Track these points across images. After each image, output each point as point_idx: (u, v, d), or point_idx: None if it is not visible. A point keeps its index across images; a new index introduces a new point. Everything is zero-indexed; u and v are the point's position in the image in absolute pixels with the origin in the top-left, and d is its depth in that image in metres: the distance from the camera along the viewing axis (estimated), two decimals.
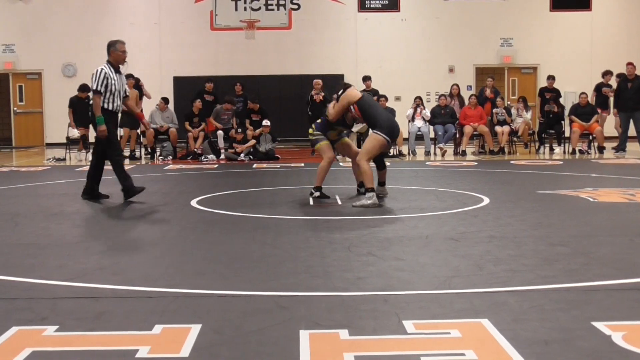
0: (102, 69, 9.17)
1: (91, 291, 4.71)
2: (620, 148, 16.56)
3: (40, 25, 22.08)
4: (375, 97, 17.39)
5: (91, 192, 9.49)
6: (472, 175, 12.22)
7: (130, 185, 9.34)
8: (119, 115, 9.70)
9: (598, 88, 17.88)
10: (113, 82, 9.17)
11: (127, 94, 9.68)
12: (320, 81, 17.27)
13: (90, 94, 9.16)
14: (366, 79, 18.01)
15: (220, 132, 16.39)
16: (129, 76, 17.07)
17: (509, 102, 19.21)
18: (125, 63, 9.48)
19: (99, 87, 9.07)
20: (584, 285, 4.74)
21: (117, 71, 9.31)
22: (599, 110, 17.31)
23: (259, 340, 3.68)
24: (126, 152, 17.07)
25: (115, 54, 9.29)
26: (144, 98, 17.80)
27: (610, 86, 17.72)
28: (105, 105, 9.18)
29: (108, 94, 9.16)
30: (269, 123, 16.47)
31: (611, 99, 17.59)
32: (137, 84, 17.65)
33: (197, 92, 17.71)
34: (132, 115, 16.80)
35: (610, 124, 17.98)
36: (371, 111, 8.88)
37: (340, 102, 9.00)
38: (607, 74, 17.89)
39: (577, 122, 16.92)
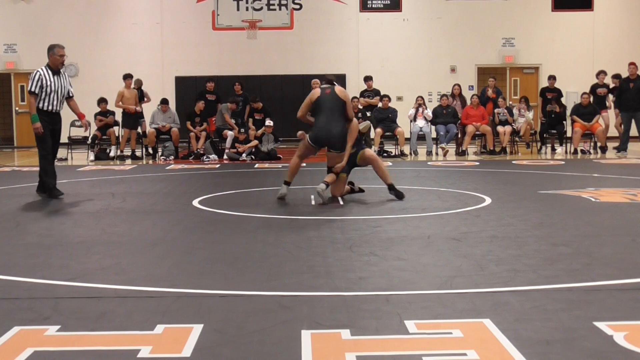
0: (38, 71, 9.72)
1: (93, 291, 4.72)
2: (622, 148, 16.55)
3: (42, 25, 22.07)
4: (377, 97, 17.42)
5: (45, 188, 9.82)
6: (474, 175, 12.22)
7: (50, 185, 9.72)
8: (60, 115, 10.08)
9: (593, 90, 17.81)
10: (49, 83, 9.67)
11: (71, 94, 10.11)
12: (318, 81, 17.24)
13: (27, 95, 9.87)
14: (367, 79, 18.01)
15: (231, 133, 16.36)
16: (128, 76, 17.12)
17: (510, 102, 19.16)
18: (62, 66, 9.96)
19: (34, 88, 9.59)
20: (585, 285, 4.74)
21: (56, 73, 9.83)
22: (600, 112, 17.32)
23: (261, 340, 3.69)
24: (127, 152, 17.11)
25: (54, 57, 9.83)
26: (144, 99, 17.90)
27: (605, 86, 17.67)
28: (40, 106, 9.65)
29: (43, 95, 9.65)
30: (271, 123, 16.46)
31: (610, 98, 17.55)
32: (139, 88, 17.73)
33: (199, 93, 17.70)
34: (132, 116, 16.89)
35: (611, 124, 17.95)
36: (314, 114, 9.29)
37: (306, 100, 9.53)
38: (600, 73, 17.84)
39: (579, 122, 16.90)
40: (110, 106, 17.50)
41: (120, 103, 17.05)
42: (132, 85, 17.38)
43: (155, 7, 22.42)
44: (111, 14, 22.35)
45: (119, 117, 17.58)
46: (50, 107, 9.72)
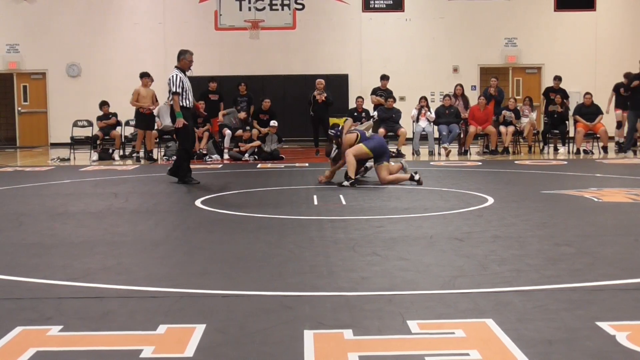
0: (176, 74, 11.23)
1: (95, 291, 4.72)
2: (627, 147, 16.49)
3: (45, 25, 22.09)
4: (382, 98, 17.36)
5: (184, 174, 11.34)
6: (476, 175, 12.21)
7: (183, 176, 11.31)
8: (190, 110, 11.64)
9: (617, 89, 17.69)
10: (185, 82, 11.26)
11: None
12: (322, 81, 17.23)
13: (170, 96, 11.35)
14: (383, 77, 17.83)
15: (228, 132, 16.37)
16: (145, 75, 16.81)
17: (519, 104, 18.98)
18: (190, 70, 11.57)
19: (178, 89, 11.12)
20: (588, 285, 4.73)
21: (185, 75, 11.38)
22: (620, 111, 17.34)
23: (263, 340, 3.69)
24: (140, 153, 17.04)
25: (184, 61, 11.41)
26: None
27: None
28: (181, 103, 11.16)
29: (184, 94, 11.22)
30: (276, 124, 16.48)
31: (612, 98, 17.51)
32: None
33: (201, 93, 17.65)
34: (146, 116, 16.57)
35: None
36: None
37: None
38: (626, 76, 17.65)
39: (582, 122, 16.89)
40: (113, 108, 17.49)
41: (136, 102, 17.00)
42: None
43: (157, 7, 22.43)
44: (113, 14, 22.37)
45: (130, 116, 17.54)
46: (188, 103, 11.30)
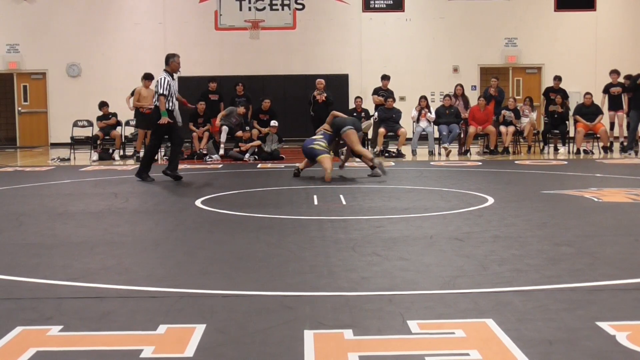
0: (164, 77, 11.61)
1: (96, 291, 4.72)
2: (629, 147, 16.46)
3: (45, 25, 22.08)
4: (383, 98, 17.35)
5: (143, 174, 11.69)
6: (476, 175, 12.21)
7: (146, 170, 11.73)
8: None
9: (607, 89, 17.66)
10: (172, 85, 11.68)
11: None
12: (322, 81, 17.22)
13: (155, 96, 11.82)
14: (384, 77, 17.87)
15: (225, 128, 16.32)
16: (148, 76, 16.78)
17: (520, 104, 18.98)
18: (179, 72, 11.96)
19: (164, 91, 11.53)
20: (588, 285, 4.73)
21: (173, 78, 11.79)
22: (613, 112, 17.33)
23: (264, 340, 3.69)
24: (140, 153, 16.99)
25: (174, 64, 11.78)
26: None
27: (619, 85, 17.49)
28: (166, 105, 11.53)
29: (169, 96, 11.59)
30: (276, 124, 16.47)
31: (623, 98, 17.44)
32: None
33: (202, 93, 17.66)
34: (147, 115, 16.52)
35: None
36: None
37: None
38: (612, 72, 17.68)
39: (582, 122, 16.88)
40: (113, 108, 17.48)
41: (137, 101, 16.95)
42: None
43: (157, 7, 22.43)
44: (113, 14, 22.36)
45: (130, 116, 17.52)
46: (172, 106, 11.73)
